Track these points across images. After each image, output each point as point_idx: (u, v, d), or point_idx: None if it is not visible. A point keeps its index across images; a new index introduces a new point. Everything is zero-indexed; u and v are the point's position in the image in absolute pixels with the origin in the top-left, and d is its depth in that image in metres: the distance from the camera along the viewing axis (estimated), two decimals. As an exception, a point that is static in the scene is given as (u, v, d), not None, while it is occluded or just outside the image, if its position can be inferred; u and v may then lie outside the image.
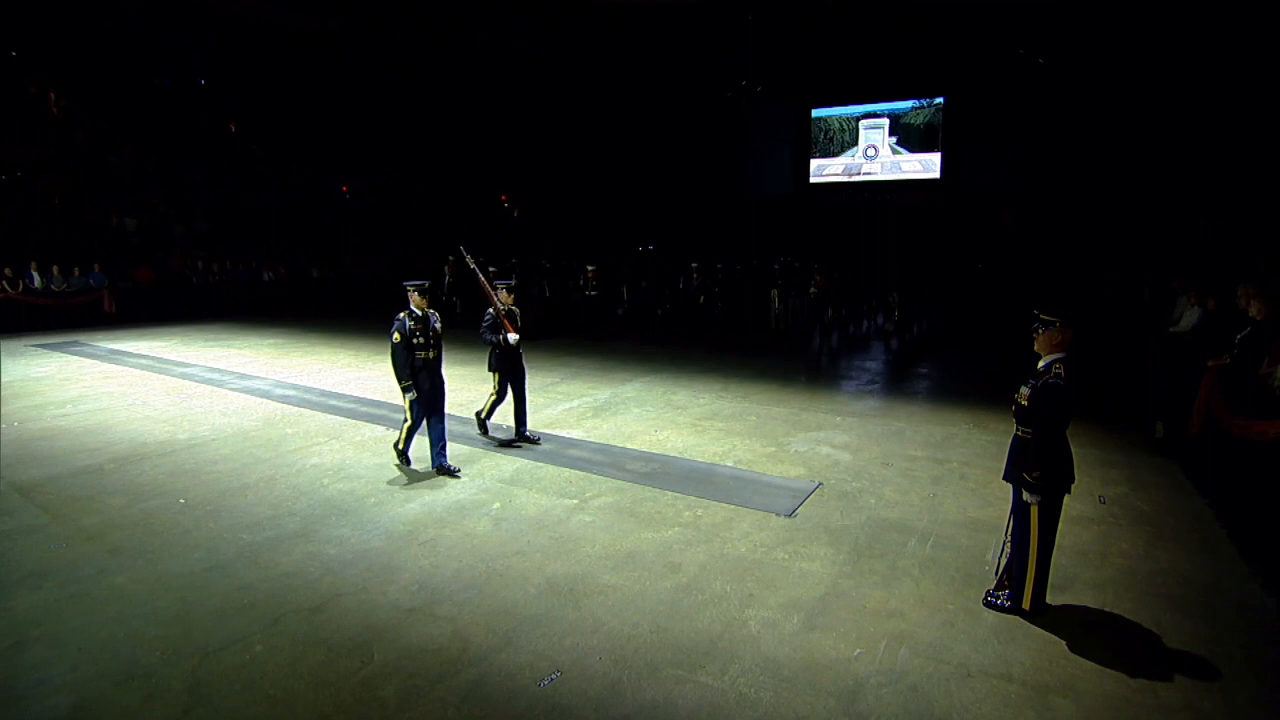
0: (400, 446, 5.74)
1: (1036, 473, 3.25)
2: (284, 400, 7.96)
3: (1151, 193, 15.76)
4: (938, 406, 7.98)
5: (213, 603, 3.64)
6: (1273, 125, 12.44)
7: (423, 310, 5.46)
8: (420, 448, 5.83)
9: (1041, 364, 3.33)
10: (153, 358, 10.80)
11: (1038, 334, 3.32)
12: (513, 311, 6.26)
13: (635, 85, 20.82)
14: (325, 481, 5.38)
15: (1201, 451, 5.39)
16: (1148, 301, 10.45)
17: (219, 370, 9.78)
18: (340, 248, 21.07)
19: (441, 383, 5.64)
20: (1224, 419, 4.78)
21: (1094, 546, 4.27)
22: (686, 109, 22.84)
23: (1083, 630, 3.39)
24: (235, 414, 7.38)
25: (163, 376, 9.32)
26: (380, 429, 6.83)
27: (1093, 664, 3.12)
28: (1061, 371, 3.19)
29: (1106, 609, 3.60)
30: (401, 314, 5.37)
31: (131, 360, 10.54)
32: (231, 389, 8.55)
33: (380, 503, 4.98)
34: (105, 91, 18.44)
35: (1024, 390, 3.35)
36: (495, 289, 6.17)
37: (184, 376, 9.32)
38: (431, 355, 5.50)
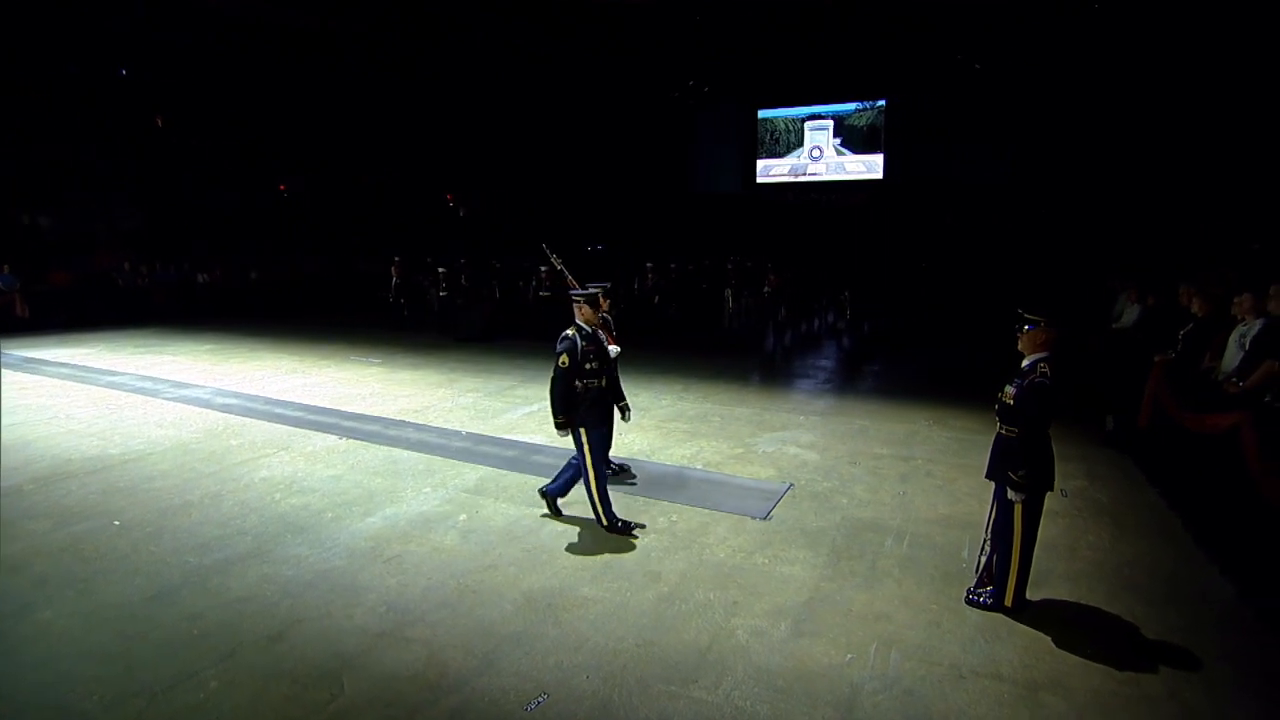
0: (604, 514, 4.46)
1: (1022, 471, 3.26)
2: (226, 410, 7.50)
3: (1119, 192, 16.38)
4: (896, 404, 8.10)
5: (158, 636, 3.33)
6: (1224, 126, 13.24)
7: (593, 327, 4.44)
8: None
9: (1025, 363, 3.36)
10: (75, 366, 10.06)
11: (1021, 333, 3.35)
12: (607, 319, 5.24)
13: (583, 84, 20.62)
14: (277, 496, 5.05)
15: (1150, 443, 5.61)
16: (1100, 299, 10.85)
17: (152, 379, 9.16)
18: (279, 248, 20.17)
19: (613, 416, 4.65)
20: (1174, 413, 4.97)
21: (1063, 540, 4.35)
22: (634, 109, 22.77)
23: (1064, 625, 3.43)
24: (172, 425, 6.90)
25: (88, 386, 8.67)
26: (332, 438, 6.48)
27: (1078, 659, 3.16)
28: (1048, 371, 3.21)
29: (1083, 602, 3.66)
30: (570, 331, 4.35)
31: (51, 369, 9.79)
32: (167, 399, 8.01)
33: (338, 518, 4.70)
34: (13, 78, 17.12)
35: (1009, 389, 3.37)
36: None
37: (112, 386, 8.69)
38: (604, 383, 4.48)
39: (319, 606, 3.58)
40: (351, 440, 6.42)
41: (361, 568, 4.00)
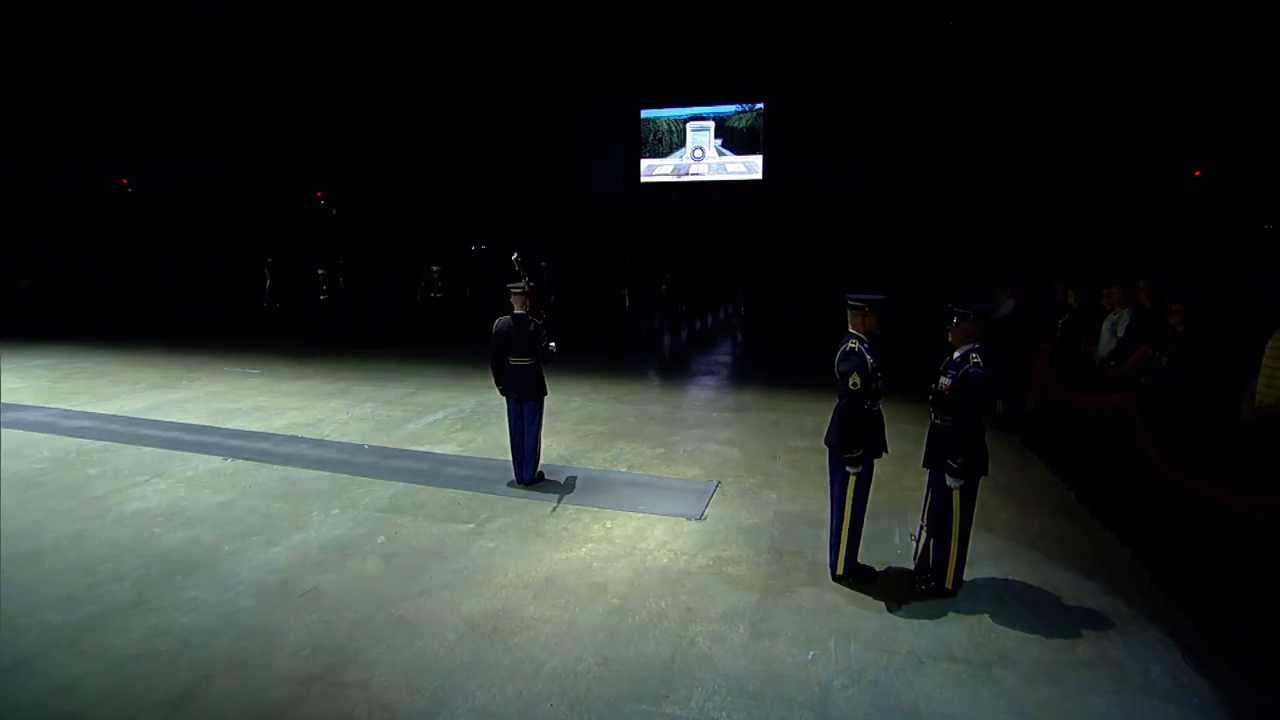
0: (842, 570, 3.81)
1: (961, 458, 3.40)
2: (77, 434, 6.49)
3: (986, 195, 17.70)
4: (800, 397, 8.37)
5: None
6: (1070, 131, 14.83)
7: (874, 338, 3.66)
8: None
9: (957, 354, 3.51)
10: None
11: (952, 326, 3.49)
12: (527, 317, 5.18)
13: (464, 80, 19.85)
14: (157, 531, 4.41)
15: (1036, 424, 6.12)
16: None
17: (-30, 402, 7.81)
18: (125, 248, 17.91)
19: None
20: (1060, 395, 5.44)
21: (979, 519, 4.55)
22: (517, 106, 22.26)
23: (998, 601, 3.63)
24: (5, 456, 5.87)
25: (-116, 414, 7.25)
26: (215, 459, 5.78)
27: (1017, 632, 3.34)
28: (979, 361, 3.37)
29: (1009, 577, 3.90)
30: (852, 344, 3.56)
31: None
32: (-6, 425, 6.84)
33: (237, 550, 4.17)
34: None
35: (943, 380, 3.50)
36: (510, 293, 5.07)
37: (-83, 412, 7.32)
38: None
39: (229, 656, 3.13)
40: (239, 461, 5.76)
41: (274, 606, 3.55)
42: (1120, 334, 5.19)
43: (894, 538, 4.37)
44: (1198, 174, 14.24)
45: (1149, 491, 3.99)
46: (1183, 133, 13.36)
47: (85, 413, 7.30)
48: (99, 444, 6.19)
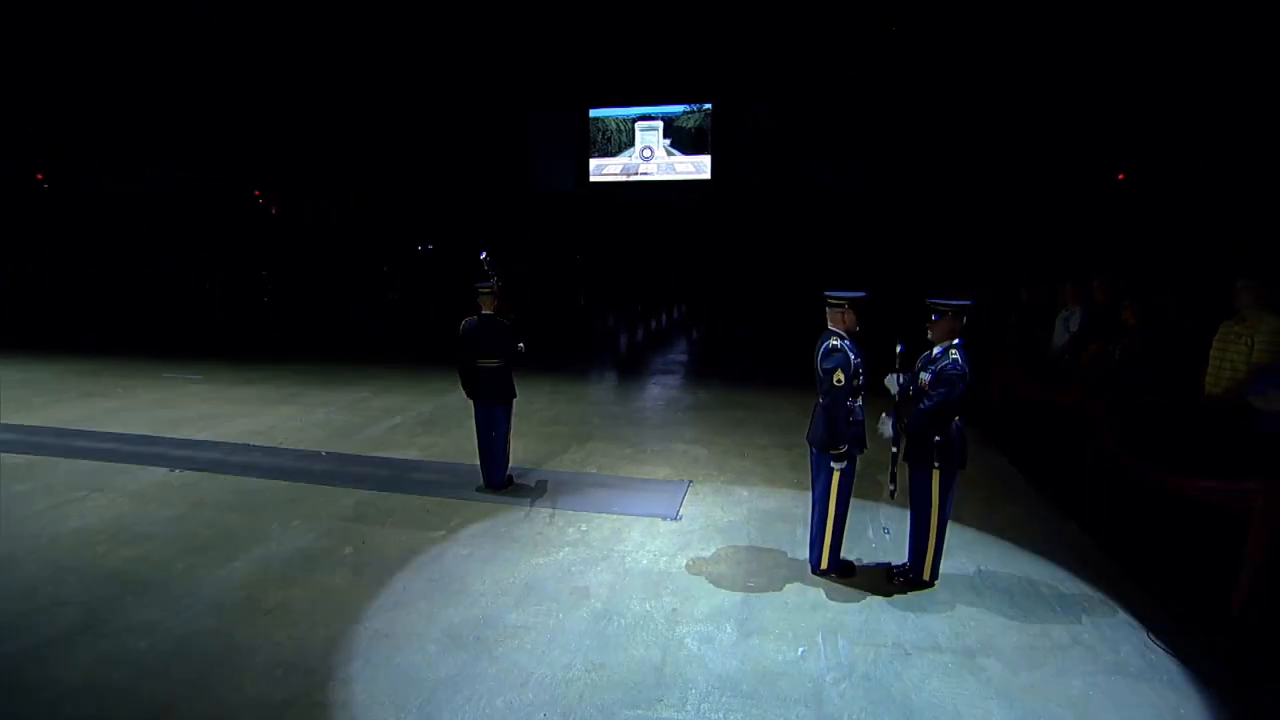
0: (826, 565, 3.82)
1: (916, 428, 3.47)
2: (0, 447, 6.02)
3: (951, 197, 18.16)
4: (762, 394, 8.46)
5: (-38, 754, 2.54)
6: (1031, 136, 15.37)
7: (854, 336, 3.66)
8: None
9: (936, 350, 3.57)
10: None
11: (932, 323, 3.55)
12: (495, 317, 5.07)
13: (412, 79, 19.34)
14: (100, 550, 4.11)
15: (995, 416, 6.33)
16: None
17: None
18: (42, 249, 16.78)
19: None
20: (1021, 389, 5.63)
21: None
22: (465, 105, 21.85)
23: (974, 591, 3.71)
24: (-80, 473, 5.41)
25: None
26: (160, 471, 5.44)
27: (996, 619, 3.43)
28: (958, 357, 3.44)
29: (982, 568, 3.99)
30: (835, 341, 3.57)
31: None
32: (-96, 439, 6.28)
33: (192, 567, 3.92)
34: None
35: (924, 377, 3.56)
36: (478, 293, 4.93)
37: None
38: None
39: (194, 682, 2.92)
40: (188, 472, 5.43)
41: (239, 624, 3.35)
42: (1073, 328, 5.40)
43: (868, 532, 4.43)
44: (1121, 177, 14.98)
45: (1109, 480, 4.16)
46: (1187, 137, 13.70)
47: (6, 424, 6.77)
48: (24, 458, 5.73)
